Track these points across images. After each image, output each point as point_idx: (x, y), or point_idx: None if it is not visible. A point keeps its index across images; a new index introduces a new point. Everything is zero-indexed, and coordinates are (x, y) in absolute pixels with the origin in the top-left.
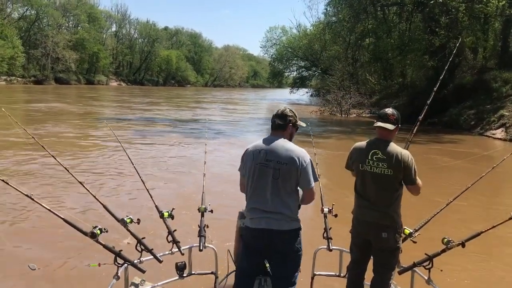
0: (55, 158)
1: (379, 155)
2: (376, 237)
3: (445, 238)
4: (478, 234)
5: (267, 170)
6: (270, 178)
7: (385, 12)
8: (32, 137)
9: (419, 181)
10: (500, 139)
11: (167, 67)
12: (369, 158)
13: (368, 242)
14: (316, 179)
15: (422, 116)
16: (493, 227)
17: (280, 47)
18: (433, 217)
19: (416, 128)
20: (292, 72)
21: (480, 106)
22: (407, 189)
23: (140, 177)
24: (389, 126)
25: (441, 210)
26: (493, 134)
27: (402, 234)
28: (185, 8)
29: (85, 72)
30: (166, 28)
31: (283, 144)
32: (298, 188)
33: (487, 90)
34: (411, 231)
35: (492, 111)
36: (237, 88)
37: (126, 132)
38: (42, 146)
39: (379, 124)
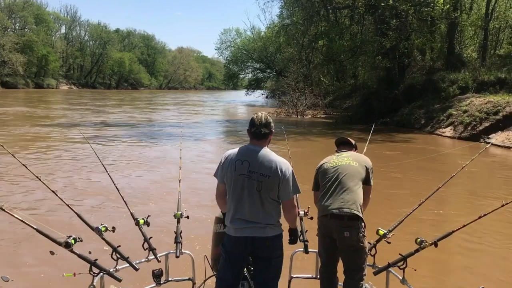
0: (26, 167)
1: (343, 154)
2: (339, 236)
3: (418, 238)
4: (450, 233)
5: (250, 182)
6: (253, 190)
7: (337, 15)
8: (1, 145)
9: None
10: (449, 137)
11: (119, 70)
12: (335, 157)
13: (334, 242)
14: (297, 191)
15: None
16: (464, 226)
17: (234, 49)
18: (406, 217)
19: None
20: (247, 74)
21: (429, 105)
22: (364, 190)
23: (115, 184)
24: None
25: (413, 210)
26: (443, 132)
27: (376, 235)
28: (136, 9)
29: (33, 76)
30: (117, 30)
31: (266, 155)
32: None
33: (435, 90)
34: (385, 232)
35: (441, 110)
36: (192, 90)
37: (97, 137)
38: (13, 155)
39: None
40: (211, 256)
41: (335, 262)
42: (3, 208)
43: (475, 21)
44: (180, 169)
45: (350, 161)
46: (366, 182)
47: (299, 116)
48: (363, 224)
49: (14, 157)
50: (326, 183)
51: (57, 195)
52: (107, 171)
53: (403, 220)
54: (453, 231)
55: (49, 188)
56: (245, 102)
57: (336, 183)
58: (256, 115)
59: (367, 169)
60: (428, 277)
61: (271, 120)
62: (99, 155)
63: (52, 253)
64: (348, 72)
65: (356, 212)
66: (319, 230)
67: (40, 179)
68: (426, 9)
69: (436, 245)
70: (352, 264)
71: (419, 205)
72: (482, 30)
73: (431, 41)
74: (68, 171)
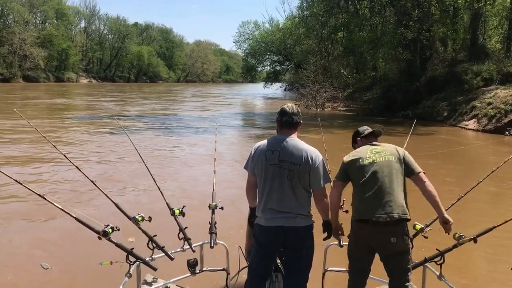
0: (66, 157)
1: (378, 148)
2: (384, 243)
3: (456, 233)
4: (491, 229)
5: (281, 171)
6: (284, 179)
7: (357, 6)
8: (44, 136)
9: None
10: (472, 129)
11: (138, 63)
12: (369, 152)
13: (372, 249)
14: (327, 180)
15: None
16: (506, 222)
17: (253, 41)
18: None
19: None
20: (266, 67)
21: (452, 98)
22: (415, 181)
23: (151, 174)
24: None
25: (452, 205)
26: (466, 125)
27: (413, 230)
28: (153, 2)
29: (54, 70)
30: (136, 24)
31: (296, 144)
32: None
33: (458, 82)
34: (422, 226)
35: (464, 102)
36: (210, 83)
37: (134, 128)
38: (54, 146)
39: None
40: (246, 247)
41: (370, 265)
42: (45, 197)
43: (499, 11)
44: (215, 160)
45: (388, 156)
46: (412, 172)
47: (318, 109)
48: (407, 224)
49: (55, 147)
50: (365, 183)
51: (95, 185)
52: (144, 162)
53: None
54: (494, 227)
55: (88, 178)
56: (263, 95)
57: (378, 184)
58: (286, 105)
59: (404, 158)
60: (466, 273)
61: (300, 110)
62: (136, 145)
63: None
64: (368, 64)
65: (405, 216)
66: (354, 236)
67: (80, 169)
68: None
69: (475, 241)
70: (399, 269)
71: (458, 199)
72: (507, 20)
73: (453, 32)
74: (106, 161)
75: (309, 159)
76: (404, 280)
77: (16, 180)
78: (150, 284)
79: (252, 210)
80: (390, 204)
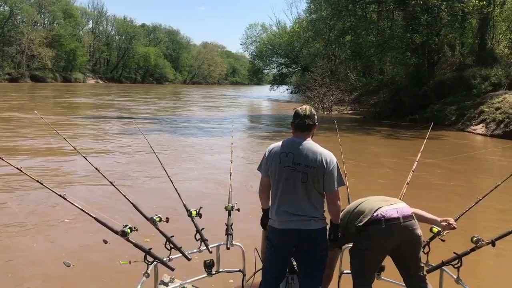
0: (86, 159)
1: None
2: (410, 238)
3: (474, 236)
4: (510, 233)
5: (295, 174)
6: (298, 182)
7: (365, 10)
8: (65, 138)
9: None
10: (480, 134)
11: (145, 64)
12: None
13: (384, 255)
14: (341, 183)
15: None
16: None
17: (260, 44)
18: (461, 215)
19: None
20: (272, 69)
21: (460, 102)
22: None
23: (169, 176)
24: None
25: (469, 208)
26: (474, 129)
27: (430, 233)
28: (160, 4)
29: (61, 70)
30: (143, 25)
31: (310, 147)
32: None
33: (467, 86)
34: (439, 229)
35: (473, 107)
36: (216, 85)
37: (151, 129)
38: (74, 148)
39: None
40: (261, 248)
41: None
42: (65, 197)
43: (508, 16)
44: (231, 162)
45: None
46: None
47: (325, 112)
48: None
49: (76, 150)
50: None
51: (114, 186)
52: (161, 164)
53: (459, 218)
54: None
55: (107, 179)
56: (270, 97)
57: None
58: (300, 107)
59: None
60: (484, 276)
61: (315, 113)
62: (153, 147)
63: (105, 241)
64: (376, 68)
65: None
66: (369, 241)
67: (99, 170)
68: (459, 4)
69: (493, 245)
70: (418, 261)
71: (476, 203)
72: None
73: (462, 36)
74: (126, 162)
75: (324, 162)
76: (424, 271)
77: (37, 181)
78: (167, 284)
79: (265, 211)
80: (393, 201)
